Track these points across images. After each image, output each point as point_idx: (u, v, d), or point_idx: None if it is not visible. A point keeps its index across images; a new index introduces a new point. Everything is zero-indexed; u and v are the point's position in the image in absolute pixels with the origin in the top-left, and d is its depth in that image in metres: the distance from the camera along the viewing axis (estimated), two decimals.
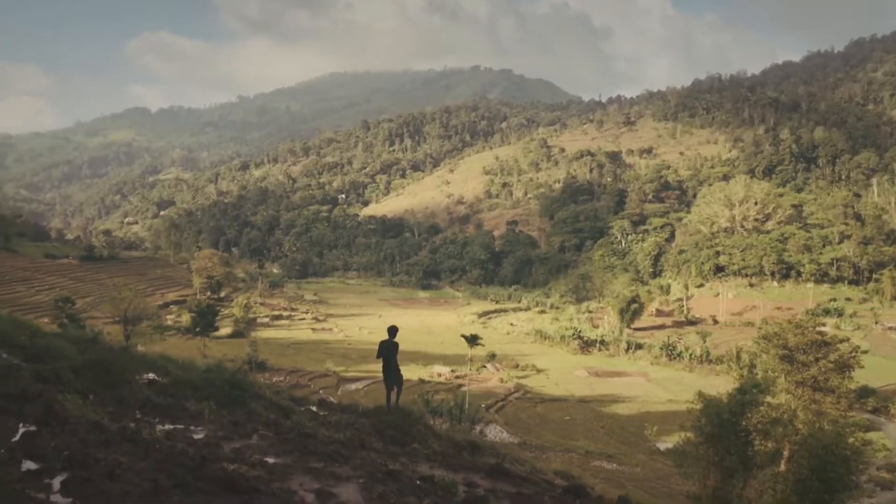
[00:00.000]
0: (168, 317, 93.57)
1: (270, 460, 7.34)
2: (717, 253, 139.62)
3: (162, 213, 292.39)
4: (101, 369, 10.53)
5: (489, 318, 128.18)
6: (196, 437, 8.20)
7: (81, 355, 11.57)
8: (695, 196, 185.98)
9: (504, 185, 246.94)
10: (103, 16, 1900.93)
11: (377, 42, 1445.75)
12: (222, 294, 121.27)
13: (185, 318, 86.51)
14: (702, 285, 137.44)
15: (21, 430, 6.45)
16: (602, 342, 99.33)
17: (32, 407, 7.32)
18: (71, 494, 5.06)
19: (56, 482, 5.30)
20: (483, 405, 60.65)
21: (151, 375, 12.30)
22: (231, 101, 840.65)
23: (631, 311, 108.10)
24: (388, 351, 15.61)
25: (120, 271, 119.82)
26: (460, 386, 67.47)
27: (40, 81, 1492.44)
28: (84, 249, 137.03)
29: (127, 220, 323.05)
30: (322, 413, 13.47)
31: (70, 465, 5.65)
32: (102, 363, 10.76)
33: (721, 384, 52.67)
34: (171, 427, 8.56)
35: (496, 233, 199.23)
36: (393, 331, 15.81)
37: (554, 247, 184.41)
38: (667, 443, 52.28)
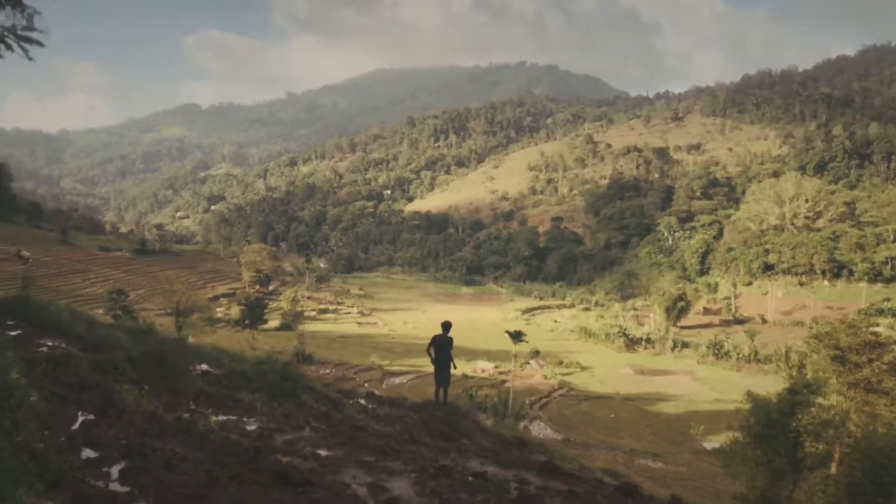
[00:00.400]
0: (218, 309, 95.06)
1: (323, 453, 7.37)
2: (767, 251, 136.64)
3: (212, 207, 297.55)
4: (157, 360, 10.78)
5: (533, 315, 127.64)
6: (249, 428, 8.31)
7: (137, 346, 11.78)
8: (744, 193, 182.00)
9: (549, 181, 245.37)
10: (158, 14, 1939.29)
11: (423, 39, 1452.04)
12: (270, 288, 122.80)
13: (235, 311, 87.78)
14: (750, 283, 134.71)
15: (80, 419, 6.60)
16: (648, 340, 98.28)
17: (91, 396, 7.50)
18: (129, 483, 5.14)
19: (114, 471, 5.40)
20: (527, 401, 60.46)
21: (205, 366, 12.48)
22: (280, 98, 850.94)
23: (677, 309, 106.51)
24: (442, 346, 15.49)
25: (171, 264, 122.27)
26: (504, 382, 67.35)
27: (96, 78, 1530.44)
28: (137, 243, 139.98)
29: (178, 214, 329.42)
30: (370, 406, 13.51)
31: (128, 455, 5.75)
32: (158, 354, 10.98)
33: (769, 384, 51.64)
34: (225, 418, 8.67)
35: (541, 229, 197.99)
36: (447, 326, 15.69)
37: (599, 244, 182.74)
38: (713, 442, 51.47)
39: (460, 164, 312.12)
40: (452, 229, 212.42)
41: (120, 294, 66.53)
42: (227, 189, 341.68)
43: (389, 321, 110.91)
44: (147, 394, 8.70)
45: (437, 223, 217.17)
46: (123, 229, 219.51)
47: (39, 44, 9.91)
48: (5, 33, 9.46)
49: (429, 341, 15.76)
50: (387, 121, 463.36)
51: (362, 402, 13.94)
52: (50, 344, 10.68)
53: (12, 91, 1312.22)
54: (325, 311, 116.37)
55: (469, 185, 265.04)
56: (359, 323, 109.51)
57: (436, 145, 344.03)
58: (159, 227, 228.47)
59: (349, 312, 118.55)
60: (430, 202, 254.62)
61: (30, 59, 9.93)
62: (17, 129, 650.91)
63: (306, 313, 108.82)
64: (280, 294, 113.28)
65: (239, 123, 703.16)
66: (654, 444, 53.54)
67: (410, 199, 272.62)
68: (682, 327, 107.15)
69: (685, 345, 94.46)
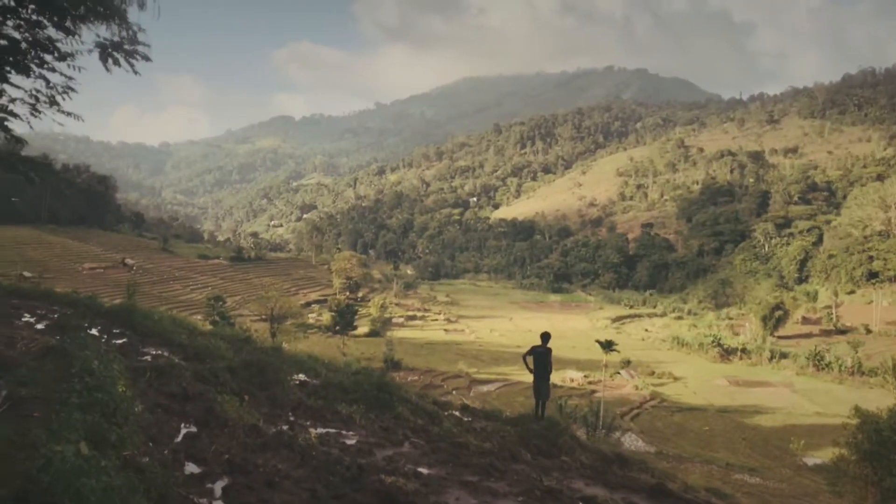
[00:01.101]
0: (310, 315, 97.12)
1: (424, 471, 7.19)
2: (871, 258, 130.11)
3: (304, 216, 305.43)
4: (256, 370, 10.85)
5: (623, 324, 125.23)
6: (348, 442, 8.22)
7: (237, 355, 11.92)
8: (845, 197, 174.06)
9: (638, 186, 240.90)
10: (251, 28, 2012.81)
11: (509, 46, 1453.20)
12: (359, 294, 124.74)
13: (326, 317, 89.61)
14: (853, 292, 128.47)
15: (183, 431, 6.65)
16: (743, 350, 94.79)
17: (193, 407, 7.58)
18: (232, 501, 5.09)
19: (217, 487, 5.37)
20: (617, 412, 59.18)
21: (302, 376, 12.52)
22: (369, 109, 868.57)
23: (774, 318, 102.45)
24: (541, 357, 15.10)
25: (266, 272, 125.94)
26: (593, 392, 66.16)
27: (194, 92, 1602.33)
28: (233, 251, 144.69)
29: (272, 222, 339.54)
30: (466, 419, 13.27)
31: (230, 470, 5.72)
32: (257, 364, 11.06)
33: (876, 398, 49.08)
34: (324, 430, 8.62)
35: (630, 236, 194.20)
36: (546, 336, 15.29)
37: (692, 250, 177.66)
38: (815, 458, 49.34)
39: (547, 170, 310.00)
40: (539, 236, 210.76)
41: (218, 300, 68.91)
42: (318, 198, 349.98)
43: (476, 328, 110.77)
44: (247, 405, 8.75)
45: (523, 230, 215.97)
46: (221, 238, 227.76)
47: (146, 58, 10.13)
48: (112, 50, 9.70)
49: (526, 351, 15.41)
50: (473, 129, 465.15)
51: (457, 414, 13.71)
52: (153, 353, 10.92)
53: (118, 106, 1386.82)
54: (412, 317, 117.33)
55: (556, 192, 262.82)
56: (445, 330, 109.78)
57: (522, 152, 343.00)
58: (254, 235, 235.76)
59: (436, 319, 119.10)
60: (516, 209, 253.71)
61: (136, 73, 10.16)
62: (122, 143, 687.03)
63: (394, 320, 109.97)
64: (369, 301, 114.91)
65: (330, 134, 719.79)
66: (750, 459, 51.55)
67: (496, 207, 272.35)
68: (780, 337, 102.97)
69: (783, 355, 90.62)
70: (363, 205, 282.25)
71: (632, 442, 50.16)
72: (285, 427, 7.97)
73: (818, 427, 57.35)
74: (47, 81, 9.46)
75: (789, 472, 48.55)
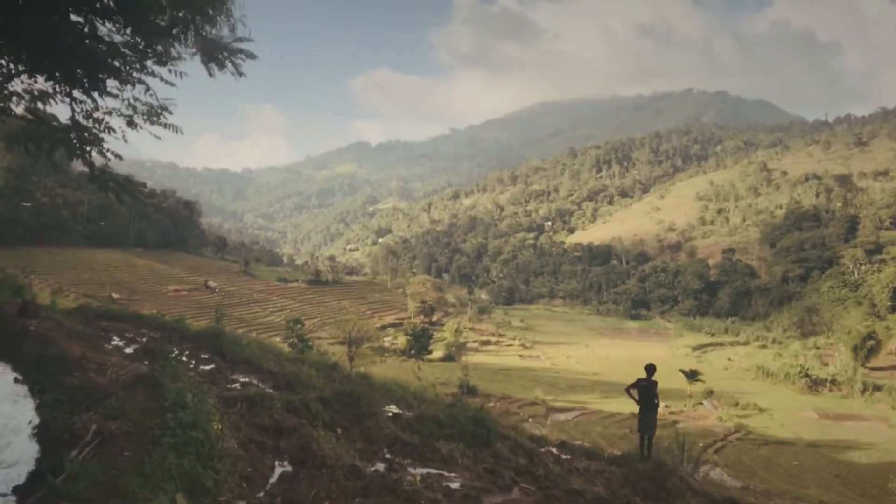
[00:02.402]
0: (385, 339, 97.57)
1: None
2: None
3: (380, 240, 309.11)
4: (350, 402, 10.57)
5: (704, 352, 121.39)
6: (452, 486, 7.78)
7: (327, 384, 11.65)
8: None
9: (719, 210, 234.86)
10: (329, 56, 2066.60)
11: (585, 69, 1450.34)
12: (434, 318, 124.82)
13: (401, 341, 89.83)
14: None
15: (278, 471, 6.39)
16: (833, 382, 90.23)
17: (287, 443, 7.34)
18: None
19: None
20: (700, 444, 57.02)
21: (394, 408, 12.15)
22: (443, 134, 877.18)
23: (866, 348, 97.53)
24: (646, 391, 14.44)
25: (343, 295, 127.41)
26: (675, 423, 64.03)
27: (276, 120, 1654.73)
28: (311, 274, 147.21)
29: (349, 246, 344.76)
30: (564, 457, 12.69)
31: None
32: (350, 395, 10.79)
33: None
34: (425, 471, 8.22)
35: (711, 261, 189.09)
36: (651, 369, 14.68)
37: (776, 277, 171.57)
38: None
39: (623, 194, 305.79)
40: (615, 261, 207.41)
41: (296, 323, 69.85)
42: (393, 222, 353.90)
43: (552, 355, 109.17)
44: (342, 440, 8.43)
45: (599, 255, 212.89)
46: (299, 261, 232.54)
47: (251, 55, 9.92)
48: (215, 52, 9.57)
49: (630, 384, 14.80)
50: (548, 153, 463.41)
51: (554, 451, 13.13)
52: (242, 380, 10.82)
53: (202, 134, 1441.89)
54: (486, 342, 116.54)
55: (633, 216, 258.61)
56: (521, 356, 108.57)
57: (598, 176, 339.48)
58: (331, 259, 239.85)
59: (511, 345, 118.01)
60: (591, 234, 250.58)
61: (241, 74, 9.97)
62: (206, 169, 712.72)
63: (468, 345, 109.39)
64: (443, 325, 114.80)
65: (405, 159, 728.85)
66: (844, 497, 48.73)
67: (572, 231, 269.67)
68: (872, 368, 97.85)
69: (877, 388, 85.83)
70: (437, 229, 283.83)
71: (717, 476, 48.19)
72: (383, 466, 7.62)
73: None
74: (147, 87, 9.39)
75: None
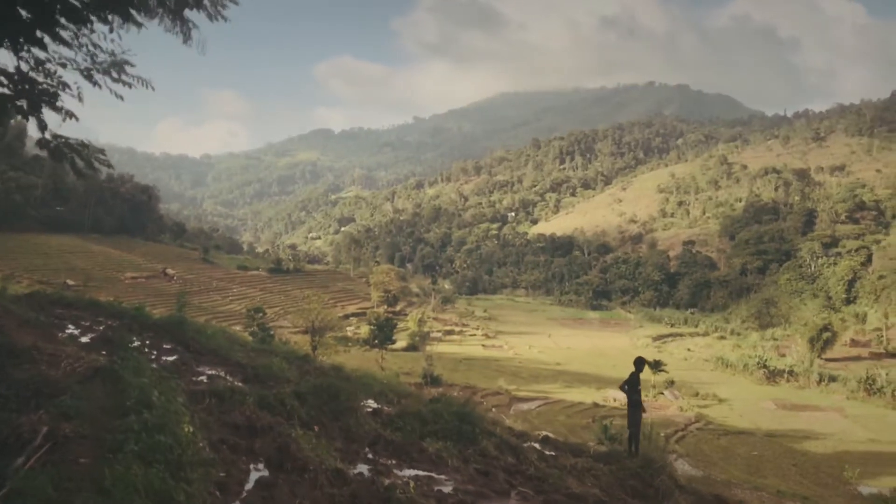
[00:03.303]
0: (348, 328, 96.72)
1: None
2: None
3: (343, 229, 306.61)
4: (328, 396, 9.86)
5: (664, 343, 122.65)
6: (445, 490, 7.21)
7: (301, 377, 10.91)
8: (894, 217, 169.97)
9: (680, 203, 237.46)
10: (293, 43, 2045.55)
11: (549, 61, 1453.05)
12: (398, 308, 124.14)
13: (364, 330, 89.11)
14: None
15: (254, 475, 5.76)
16: (790, 373, 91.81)
17: (263, 443, 6.67)
18: None
19: None
20: (661, 434, 57.43)
21: (372, 403, 11.44)
22: (407, 123, 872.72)
23: (822, 339, 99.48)
24: (633, 384, 14.03)
25: (305, 283, 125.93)
26: None
27: (237, 106, 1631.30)
28: (272, 262, 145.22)
29: (311, 235, 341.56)
30: (549, 453, 12.22)
31: None
32: (328, 389, 10.11)
33: None
34: (413, 473, 7.64)
35: (671, 253, 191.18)
36: (641, 363, 14.23)
37: (735, 269, 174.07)
38: (871, 487, 47.17)
39: (586, 186, 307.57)
40: (578, 252, 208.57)
41: (258, 312, 68.73)
42: (356, 211, 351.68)
43: (514, 344, 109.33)
44: (322, 439, 7.78)
45: (561, 246, 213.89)
46: (260, 249, 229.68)
47: (233, 1, 9.03)
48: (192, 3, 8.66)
49: (624, 380, 14.32)
50: (511, 144, 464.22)
51: (538, 447, 12.66)
52: (209, 373, 10.00)
53: (162, 119, 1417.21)
54: (450, 332, 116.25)
55: (595, 208, 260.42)
56: (484, 345, 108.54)
57: (561, 167, 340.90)
58: (293, 247, 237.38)
59: (474, 334, 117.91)
60: (554, 224, 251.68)
61: (225, 19, 9.08)
62: (165, 154, 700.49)
63: (432, 334, 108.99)
64: (407, 314, 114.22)
65: (368, 147, 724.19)
66: (802, 486, 49.44)
67: (535, 222, 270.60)
68: (828, 359, 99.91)
69: (832, 379, 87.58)
70: (401, 218, 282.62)
71: (679, 466, 48.47)
72: (367, 468, 7.05)
73: (873, 455, 55.20)
74: (111, 28, 8.31)
75: (843, 501, 46.51)
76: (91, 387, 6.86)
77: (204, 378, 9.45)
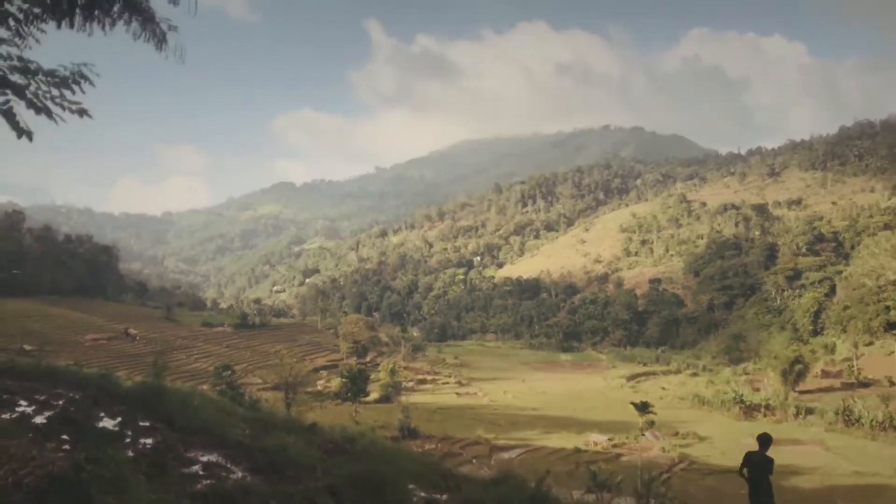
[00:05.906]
0: (318, 382, 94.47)
1: None
2: (888, 308, 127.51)
3: (307, 280, 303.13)
4: (370, 488, 7.52)
5: (638, 382, 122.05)
6: None
7: (332, 463, 8.63)
8: (853, 247, 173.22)
9: (643, 242, 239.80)
10: (249, 97, 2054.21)
11: (507, 108, 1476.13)
12: (368, 358, 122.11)
13: (336, 383, 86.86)
14: (871, 343, 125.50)
15: None
16: (767, 407, 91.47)
17: None
18: None
19: None
20: (646, 478, 56.15)
21: (420, 493, 8.96)
22: (369, 173, 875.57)
23: (795, 372, 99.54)
24: (759, 467, 12.73)
25: (272, 338, 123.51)
26: (619, 455, 63.19)
27: (196, 161, 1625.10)
28: (237, 317, 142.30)
29: (275, 288, 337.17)
30: None
31: None
32: (371, 479, 7.72)
33: None
34: None
35: (638, 291, 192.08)
36: (765, 440, 13.08)
37: (702, 305, 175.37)
38: None
39: (549, 228, 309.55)
40: (545, 294, 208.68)
41: (226, 369, 66.58)
42: (321, 262, 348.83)
43: (489, 391, 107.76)
44: None
45: (528, 289, 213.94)
46: (224, 305, 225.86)
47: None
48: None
49: (742, 462, 12.88)
50: (473, 190, 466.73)
51: None
52: (204, 460, 7.81)
53: (120, 177, 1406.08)
54: (422, 381, 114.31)
55: (560, 249, 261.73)
56: (458, 393, 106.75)
57: (524, 211, 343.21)
58: (257, 301, 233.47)
59: (447, 382, 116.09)
60: (520, 268, 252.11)
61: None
62: (124, 213, 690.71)
63: (404, 384, 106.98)
64: (377, 364, 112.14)
65: (331, 198, 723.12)
66: None
67: (501, 265, 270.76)
68: (802, 392, 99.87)
69: (809, 411, 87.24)
70: (367, 267, 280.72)
71: None
72: None
73: (860, 487, 54.32)
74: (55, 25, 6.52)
75: None
76: None
77: (198, 469, 7.44)
